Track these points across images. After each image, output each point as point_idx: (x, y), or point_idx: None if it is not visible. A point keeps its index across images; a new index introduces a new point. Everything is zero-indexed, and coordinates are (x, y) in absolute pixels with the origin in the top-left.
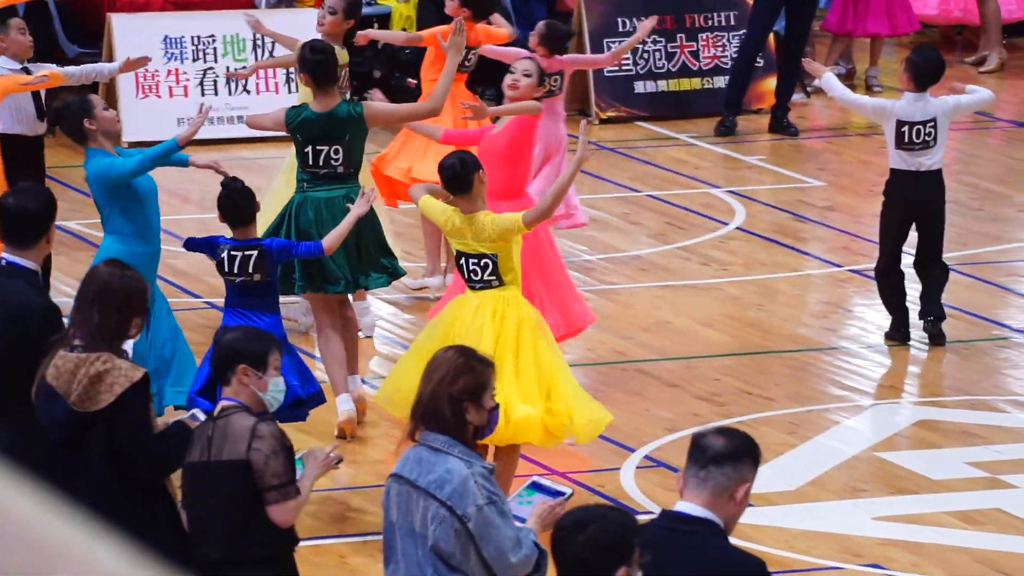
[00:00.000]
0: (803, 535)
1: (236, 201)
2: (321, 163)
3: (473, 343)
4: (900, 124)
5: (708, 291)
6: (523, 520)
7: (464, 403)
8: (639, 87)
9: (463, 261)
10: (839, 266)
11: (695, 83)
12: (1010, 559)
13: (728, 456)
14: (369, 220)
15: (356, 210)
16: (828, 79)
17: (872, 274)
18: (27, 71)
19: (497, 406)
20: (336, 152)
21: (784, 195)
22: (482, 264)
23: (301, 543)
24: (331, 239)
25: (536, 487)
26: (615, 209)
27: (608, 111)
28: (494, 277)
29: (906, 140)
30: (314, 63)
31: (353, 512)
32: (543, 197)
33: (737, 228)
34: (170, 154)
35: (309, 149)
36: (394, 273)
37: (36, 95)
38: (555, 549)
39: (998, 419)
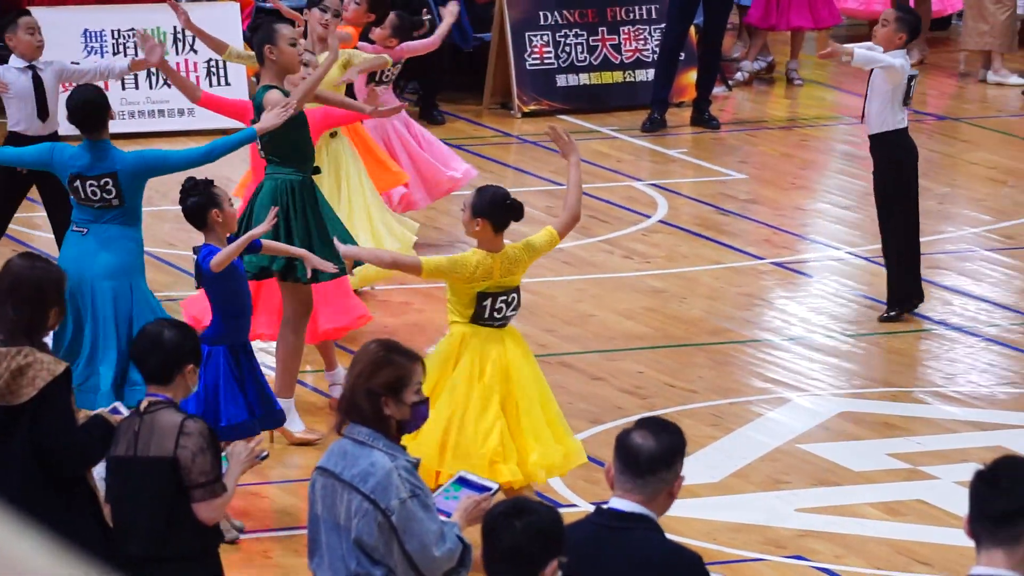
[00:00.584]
0: (726, 527)
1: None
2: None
3: (523, 387)
4: (909, 79)
5: (631, 284)
6: (448, 514)
7: (382, 397)
8: (561, 80)
9: (487, 302)
10: (761, 258)
11: (617, 76)
12: (931, 550)
13: (663, 460)
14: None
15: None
16: (860, 53)
17: (794, 267)
18: (34, 70)
19: (425, 400)
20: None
21: (706, 188)
22: (509, 299)
23: (224, 537)
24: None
25: (462, 482)
26: (538, 203)
27: (530, 104)
28: (515, 311)
29: (909, 95)
30: None
31: (278, 507)
32: (569, 201)
33: (659, 221)
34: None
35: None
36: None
37: (40, 94)
38: (488, 537)
39: (919, 410)
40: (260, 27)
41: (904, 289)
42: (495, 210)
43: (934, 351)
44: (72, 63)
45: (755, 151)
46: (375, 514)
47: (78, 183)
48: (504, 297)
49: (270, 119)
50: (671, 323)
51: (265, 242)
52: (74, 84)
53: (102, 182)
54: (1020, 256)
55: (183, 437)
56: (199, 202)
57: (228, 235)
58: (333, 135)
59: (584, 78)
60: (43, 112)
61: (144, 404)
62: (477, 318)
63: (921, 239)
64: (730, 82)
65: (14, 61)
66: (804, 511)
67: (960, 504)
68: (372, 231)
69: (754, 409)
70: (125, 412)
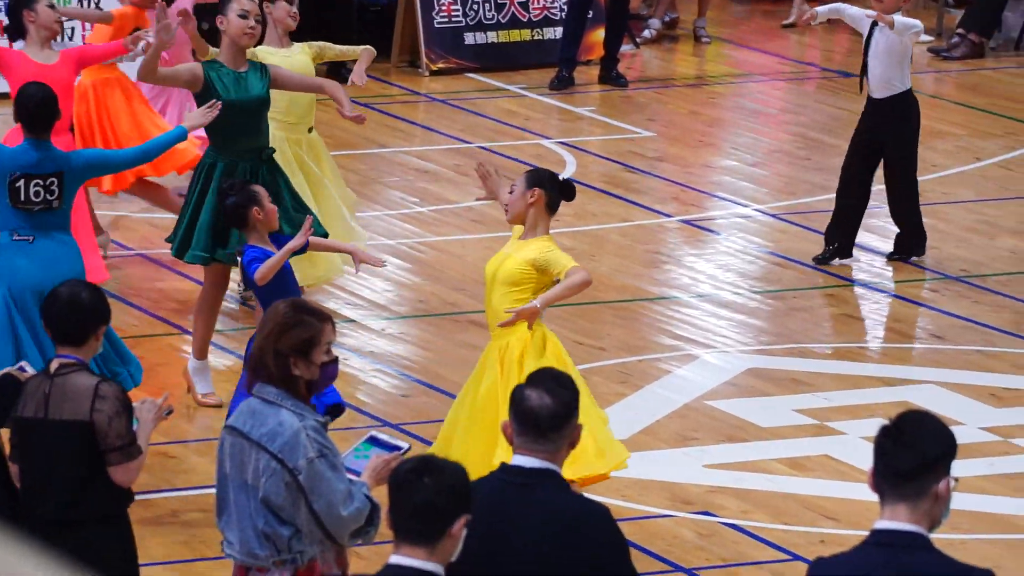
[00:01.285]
0: (635, 483)
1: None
2: None
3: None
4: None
5: None
6: (358, 474)
7: (290, 358)
8: (469, 39)
9: None
10: (669, 216)
11: (525, 34)
12: (837, 504)
13: (563, 417)
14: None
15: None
16: (899, 20)
17: (702, 224)
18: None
19: (335, 360)
20: None
21: (614, 146)
22: None
23: (134, 498)
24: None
25: (373, 441)
26: (447, 161)
27: (438, 63)
28: None
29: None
30: None
31: (187, 467)
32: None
33: (569, 178)
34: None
35: None
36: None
37: None
38: (396, 494)
39: (826, 367)
40: None
41: (911, 239)
42: (552, 184)
43: (841, 308)
44: None
45: (663, 109)
46: (283, 473)
47: (21, 183)
48: None
49: (197, 118)
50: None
51: (313, 240)
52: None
53: (47, 182)
54: (924, 212)
55: (99, 401)
56: (238, 202)
57: (269, 232)
58: (310, 130)
59: (492, 36)
60: None
61: (54, 366)
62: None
63: (827, 196)
64: (638, 40)
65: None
66: (712, 467)
67: (866, 459)
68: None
69: (662, 366)
70: (31, 371)
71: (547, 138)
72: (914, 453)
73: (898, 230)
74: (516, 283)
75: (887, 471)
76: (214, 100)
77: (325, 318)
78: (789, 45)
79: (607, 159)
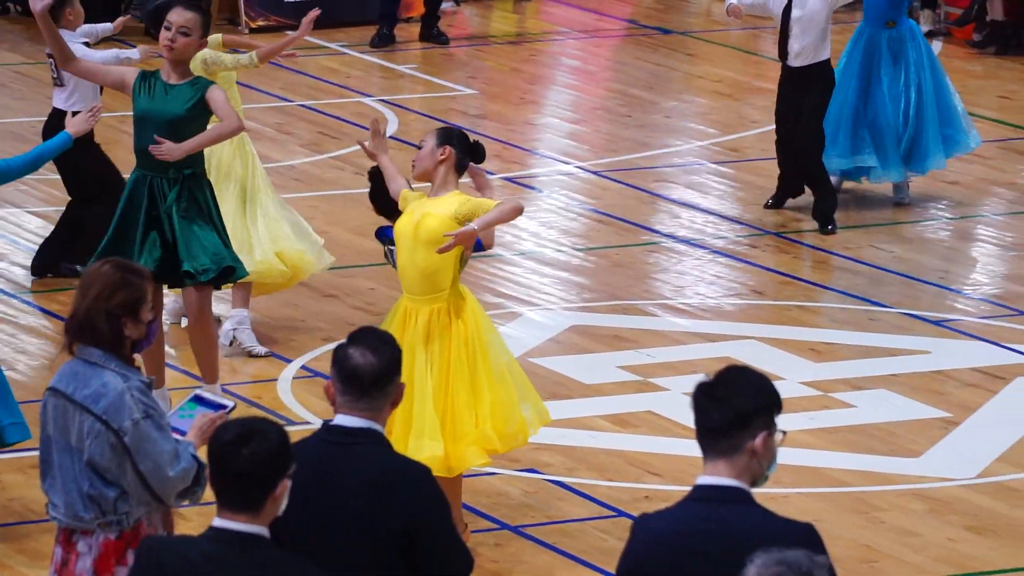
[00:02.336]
0: None
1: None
2: None
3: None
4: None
5: (362, 201)
6: (183, 433)
7: (122, 318)
8: None
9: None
10: (492, 173)
11: None
12: (662, 460)
13: (386, 375)
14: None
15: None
16: None
17: (524, 181)
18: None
19: (155, 318)
20: None
21: (436, 104)
22: None
23: None
24: None
25: (198, 400)
26: (268, 119)
27: (258, 20)
28: None
29: None
30: None
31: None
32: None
33: (390, 137)
34: (62, 150)
35: None
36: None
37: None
38: (216, 464)
39: (649, 323)
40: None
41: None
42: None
43: (663, 264)
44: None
45: (484, 66)
46: (107, 435)
47: None
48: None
49: (80, 123)
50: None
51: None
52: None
53: None
54: (745, 168)
55: None
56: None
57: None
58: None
59: None
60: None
61: None
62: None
63: (648, 152)
64: None
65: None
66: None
67: (689, 415)
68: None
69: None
70: None
71: (369, 96)
72: (725, 409)
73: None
74: (441, 240)
75: (703, 428)
76: (95, 105)
77: (146, 275)
78: (607, 2)
79: (429, 117)
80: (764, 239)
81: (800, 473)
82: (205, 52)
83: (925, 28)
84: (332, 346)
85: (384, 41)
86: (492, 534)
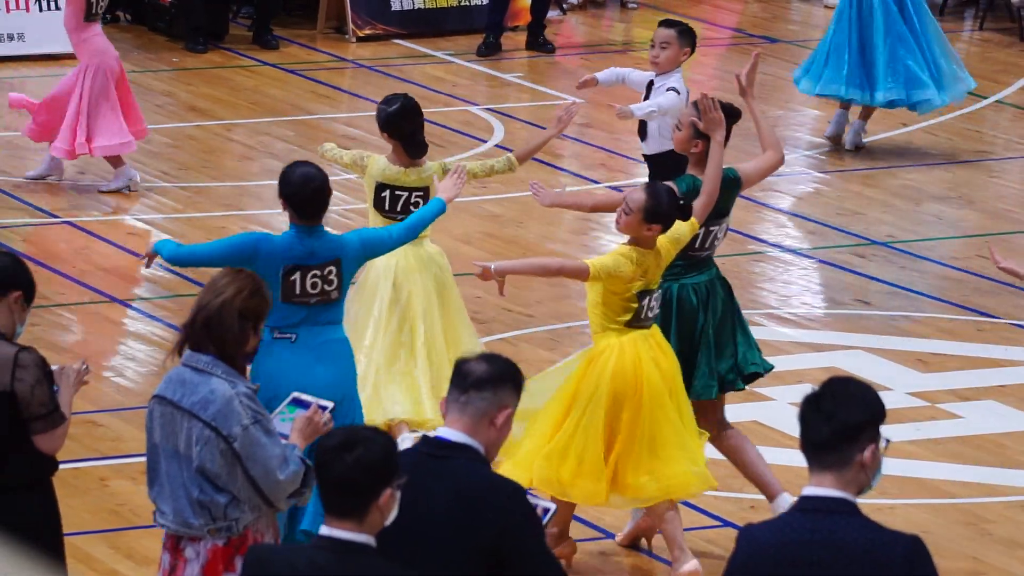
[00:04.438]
0: None
1: None
2: (708, 244)
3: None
4: None
5: (468, 209)
6: (285, 437)
7: (250, 322)
8: (395, 4)
9: (646, 301)
10: (596, 182)
11: (452, 0)
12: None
13: (489, 381)
14: None
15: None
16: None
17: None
18: None
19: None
20: (722, 232)
21: (542, 112)
22: (656, 296)
23: (60, 466)
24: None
25: (297, 402)
26: (374, 127)
27: (365, 29)
28: (659, 305)
29: None
30: None
31: (113, 434)
32: (707, 185)
33: (496, 145)
34: (438, 215)
35: (701, 231)
36: None
37: None
38: (320, 470)
39: (755, 332)
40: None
41: None
42: (668, 216)
43: (768, 273)
44: None
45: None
46: (217, 441)
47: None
48: (655, 294)
49: (451, 189)
50: (508, 248)
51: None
52: None
53: (325, 272)
54: (857, 179)
55: (19, 370)
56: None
57: None
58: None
59: (419, 1)
60: None
61: None
62: (635, 320)
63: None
64: (564, 6)
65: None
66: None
67: (795, 424)
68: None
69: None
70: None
71: (475, 104)
72: (831, 424)
73: None
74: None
75: (809, 441)
76: (460, 166)
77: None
78: (713, 10)
79: (535, 125)
80: (871, 248)
81: (907, 484)
82: (444, 162)
83: None
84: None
85: (491, 50)
86: (597, 543)
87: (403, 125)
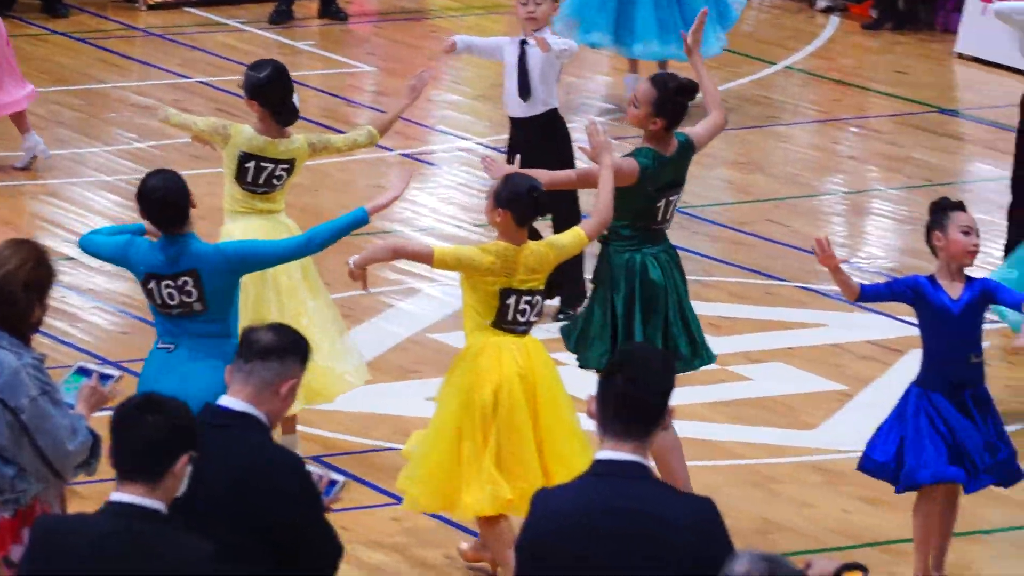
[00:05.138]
0: (359, 417)
1: None
2: (669, 216)
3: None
4: None
5: None
6: (72, 406)
7: (36, 294)
8: None
9: (511, 301)
10: (390, 150)
11: None
12: None
13: (275, 351)
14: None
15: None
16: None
17: (423, 157)
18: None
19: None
20: (678, 200)
21: (334, 80)
22: (532, 302)
23: None
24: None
25: (82, 372)
26: (165, 96)
27: None
28: (537, 317)
29: None
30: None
31: None
32: (599, 204)
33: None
34: (359, 227)
35: (662, 203)
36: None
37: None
38: (118, 431)
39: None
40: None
41: None
42: (519, 201)
43: None
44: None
45: (382, 43)
46: (4, 413)
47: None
48: (528, 298)
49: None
50: (300, 216)
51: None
52: None
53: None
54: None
55: None
56: None
57: None
58: None
59: None
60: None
61: None
62: (500, 320)
63: None
64: None
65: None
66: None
67: (586, 388)
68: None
69: (385, 300)
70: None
71: None
72: (642, 392)
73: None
74: None
75: (608, 409)
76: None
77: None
78: None
79: (327, 93)
80: None
81: (697, 446)
82: (309, 136)
83: (823, 4)
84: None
85: (283, 18)
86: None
87: (273, 92)
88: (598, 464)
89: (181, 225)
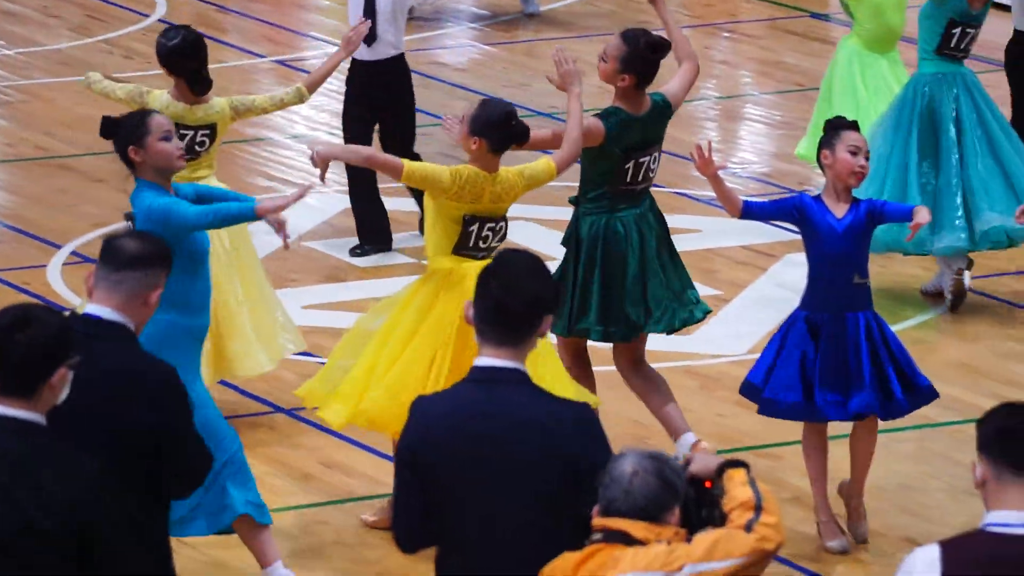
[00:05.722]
0: None
1: None
2: (641, 177)
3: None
4: None
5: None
6: None
7: None
8: None
9: (473, 228)
10: (263, 56)
11: None
12: None
13: (142, 260)
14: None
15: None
16: None
17: (295, 64)
18: None
19: None
20: (655, 161)
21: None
22: (496, 228)
23: None
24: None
25: None
26: (33, 2)
27: None
28: (500, 243)
29: None
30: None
31: None
32: (569, 134)
33: (159, 20)
34: (245, 220)
35: (630, 164)
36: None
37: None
38: None
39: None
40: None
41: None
42: (496, 130)
43: (437, 147)
44: None
45: None
46: None
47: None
48: (492, 224)
49: (277, 204)
50: None
51: None
52: None
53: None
54: (511, 50)
55: None
56: None
57: None
58: None
59: None
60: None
61: None
62: (461, 246)
63: (424, 35)
64: None
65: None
66: (311, 308)
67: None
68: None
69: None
70: None
71: None
72: (520, 298)
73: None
74: None
75: (488, 314)
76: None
77: None
78: None
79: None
80: (536, 119)
81: None
82: (232, 98)
83: None
84: (103, 231)
85: None
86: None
87: (185, 60)
88: (476, 370)
89: (132, 171)
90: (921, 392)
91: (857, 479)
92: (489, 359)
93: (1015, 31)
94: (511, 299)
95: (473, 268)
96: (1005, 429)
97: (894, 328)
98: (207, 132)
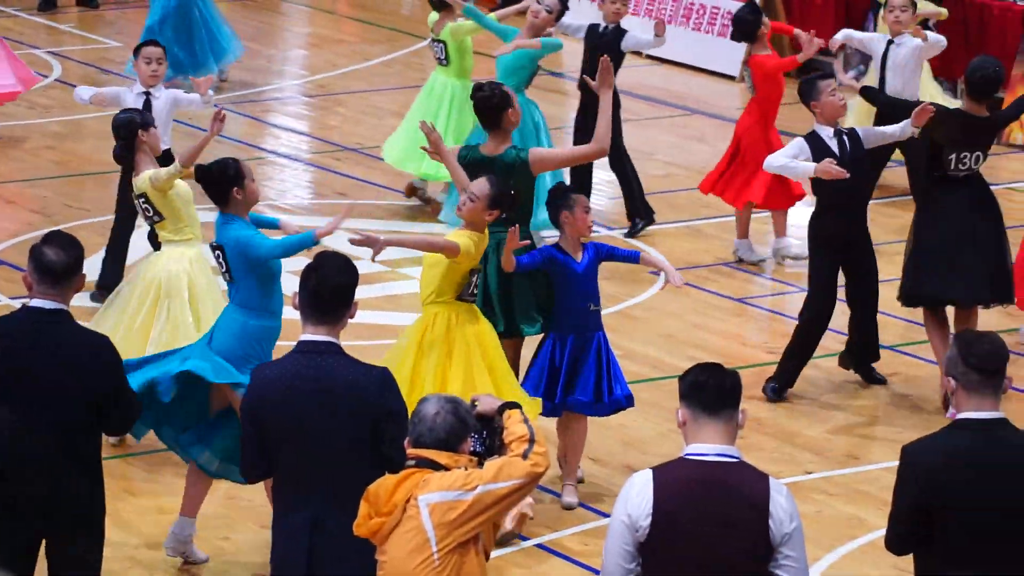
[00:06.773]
0: None
1: None
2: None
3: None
4: None
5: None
6: None
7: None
8: None
9: (474, 278)
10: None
11: None
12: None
13: (75, 270)
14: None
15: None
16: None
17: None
18: (148, 95)
19: None
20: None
21: (92, 54)
22: (478, 275)
23: None
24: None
25: None
26: None
27: None
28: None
29: None
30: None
31: None
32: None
33: (56, 79)
34: (307, 247)
35: None
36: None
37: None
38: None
39: None
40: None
41: None
42: (506, 201)
43: (268, 173)
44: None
45: (128, 24)
46: None
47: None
48: (478, 272)
49: (330, 227)
50: (60, 163)
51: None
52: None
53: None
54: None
55: None
56: None
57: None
58: None
59: None
60: None
61: None
62: (464, 293)
63: None
64: None
65: (135, 87)
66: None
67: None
68: None
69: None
70: None
71: (37, 48)
72: (328, 287)
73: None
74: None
75: (304, 298)
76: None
77: None
78: None
79: (86, 64)
80: (347, 153)
81: (372, 330)
82: (149, 172)
83: None
84: (23, 239)
85: (49, 6)
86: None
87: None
88: (300, 344)
89: (223, 204)
90: (621, 400)
91: (575, 451)
92: (311, 335)
93: None
94: (324, 289)
95: (466, 309)
96: (696, 383)
97: None
98: (145, 200)
